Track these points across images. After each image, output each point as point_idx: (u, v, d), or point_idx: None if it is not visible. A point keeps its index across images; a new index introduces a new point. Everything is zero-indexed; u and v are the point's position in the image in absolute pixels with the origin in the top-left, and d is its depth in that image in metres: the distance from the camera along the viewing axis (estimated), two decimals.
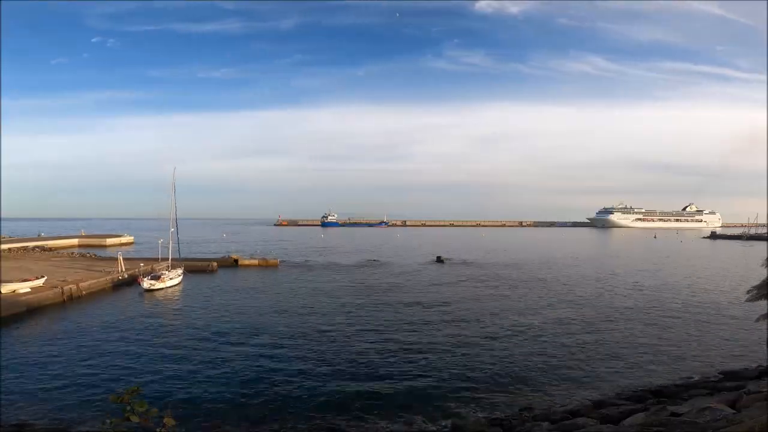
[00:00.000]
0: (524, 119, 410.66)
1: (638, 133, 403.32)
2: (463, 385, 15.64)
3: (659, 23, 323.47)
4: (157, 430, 2.94)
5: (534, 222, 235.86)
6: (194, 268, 43.97)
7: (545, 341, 21.13)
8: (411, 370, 16.95)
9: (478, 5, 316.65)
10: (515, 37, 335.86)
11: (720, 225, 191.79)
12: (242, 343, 20.32)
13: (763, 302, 11.70)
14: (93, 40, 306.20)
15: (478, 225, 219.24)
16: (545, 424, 11.52)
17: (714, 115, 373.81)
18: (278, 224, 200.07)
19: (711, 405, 10.11)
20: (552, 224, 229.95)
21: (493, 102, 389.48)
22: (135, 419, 2.83)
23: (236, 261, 50.35)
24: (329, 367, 17.22)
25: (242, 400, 14.26)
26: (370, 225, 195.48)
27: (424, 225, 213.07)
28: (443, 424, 12.73)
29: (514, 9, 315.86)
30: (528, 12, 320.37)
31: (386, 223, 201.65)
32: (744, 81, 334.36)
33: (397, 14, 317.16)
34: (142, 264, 40.53)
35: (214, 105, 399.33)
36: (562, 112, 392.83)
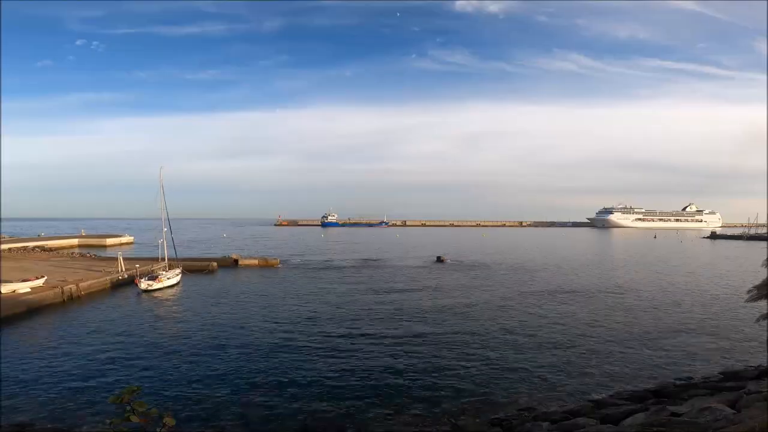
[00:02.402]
0: (527, 119, 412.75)
1: (637, 132, 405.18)
2: (463, 385, 15.63)
3: (637, 21, 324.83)
4: (157, 430, 2.93)
5: (534, 222, 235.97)
6: (194, 268, 43.98)
7: (545, 341, 21.11)
8: (410, 370, 16.94)
9: (458, 4, 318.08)
10: (498, 35, 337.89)
11: (720, 225, 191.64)
12: (241, 343, 20.30)
13: (763, 302, 11.67)
14: (77, 42, 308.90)
15: (478, 225, 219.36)
16: (545, 424, 11.52)
17: (707, 114, 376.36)
18: (278, 224, 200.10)
19: (711, 405, 10.10)
20: (552, 224, 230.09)
21: (488, 101, 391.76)
22: (135, 419, 2.82)
23: (236, 261, 50.37)
24: (329, 368, 17.21)
25: (242, 400, 14.24)
26: (370, 225, 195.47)
27: (424, 225, 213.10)
28: (443, 424, 12.73)
29: (493, 8, 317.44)
30: (507, 10, 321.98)
31: (386, 223, 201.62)
32: (729, 79, 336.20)
33: (398, 13, 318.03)
34: (137, 264, 40.55)
35: (206, 106, 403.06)
36: (558, 111, 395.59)
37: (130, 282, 34.99)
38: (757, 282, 12.16)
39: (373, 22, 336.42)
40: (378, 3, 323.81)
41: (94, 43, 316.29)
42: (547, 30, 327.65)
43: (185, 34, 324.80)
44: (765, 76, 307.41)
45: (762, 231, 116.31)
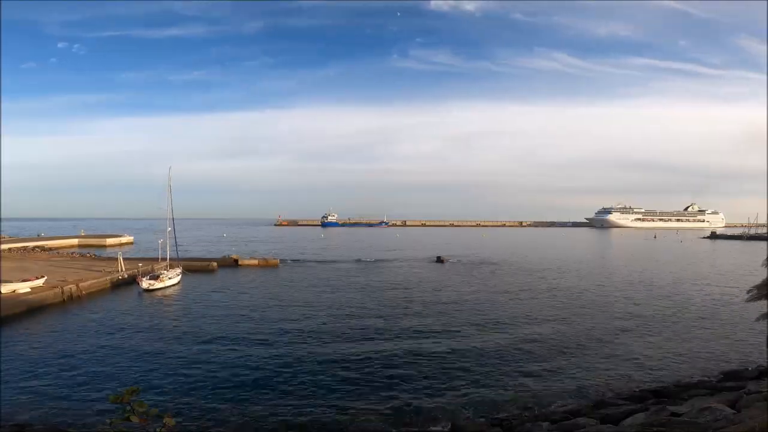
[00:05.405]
0: (525, 119, 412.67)
1: (636, 132, 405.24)
2: (463, 385, 15.63)
3: (616, 18, 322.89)
4: (157, 430, 2.93)
5: (534, 222, 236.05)
6: (194, 268, 43.97)
7: (545, 341, 21.11)
8: (410, 371, 16.94)
9: (434, 4, 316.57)
10: (477, 34, 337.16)
11: (723, 225, 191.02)
12: (241, 343, 20.30)
13: (763, 302, 11.67)
14: (59, 45, 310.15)
15: (478, 225, 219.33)
16: (545, 424, 11.52)
17: (704, 114, 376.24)
18: (278, 224, 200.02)
19: (711, 405, 10.11)
20: (552, 224, 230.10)
21: (486, 101, 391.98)
22: (135, 419, 2.82)
23: (236, 261, 50.35)
24: (329, 368, 17.21)
25: (242, 399, 14.25)
26: (370, 225, 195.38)
27: (424, 225, 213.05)
28: (443, 424, 12.74)
29: (469, 6, 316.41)
30: (484, 9, 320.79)
31: (386, 223, 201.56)
32: (720, 77, 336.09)
33: (398, 13, 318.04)
34: (140, 264, 40.54)
35: (204, 106, 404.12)
36: (555, 111, 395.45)
37: (131, 282, 35.01)
38: (757, 282, 12.16)
39: (353, 23, 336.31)
40: (357, 3, 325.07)
41: (76, 45, 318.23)
42: (526, 28, 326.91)
43: (168, 36, 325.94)
44: (755, 74, 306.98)
45: (762, 231, 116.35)
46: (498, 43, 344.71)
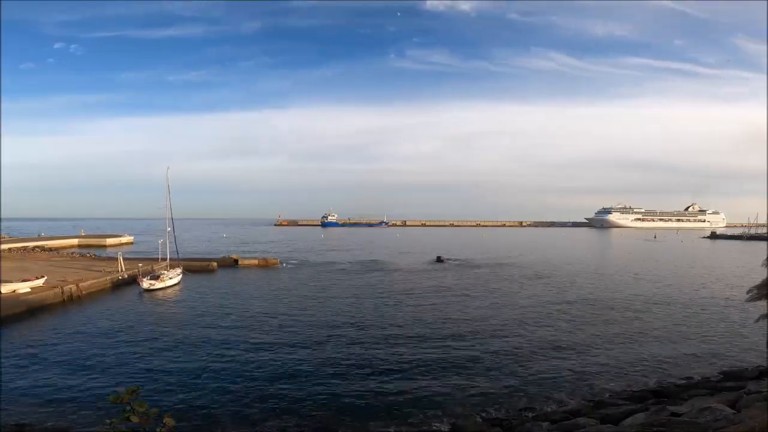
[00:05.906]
0: (525, 119, 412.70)
1: (636, 132, 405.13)
2: (463, 385, 15.63)
3: (612, 18, 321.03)
4: (158, 430, 2.93)
5: (534, 222, 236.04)
6: (194, 268, 43.98)
7: (545, 341, 21.11)
8: (411, 371, 16.94)
9: (429, 4, 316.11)
10: (473, 34, 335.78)
11: (724, 225, 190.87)
12: (241, 343, 20.31)
13: (763, 302, 11.68)
14: (55, 45, 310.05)
15: (478, 225, 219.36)
16: (545, 424, 11.53)
17: (704, 114, 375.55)
18: (278, 224, 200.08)
19: (711, 405, 10.11)
20: (552, 224, 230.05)
21: (486, 100, 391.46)
22: (135, 419, 2.82)
23: (236, 261, 50.38)
24: (329, 368, 17.22)
25: (242, 400, 14.25)
26: (370, 225, 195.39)
27: (424, 225, 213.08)
28: (443, 424, 12.74)
29: (464, 6, 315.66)
30: (479, 9, 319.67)
31: (386, 223, 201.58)
32: (717, 77, 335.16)
33: (398, 13, 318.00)
34: (140, 264, 40.56)
35: (204, 106, 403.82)
36: (555, 111, 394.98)
37: (131, 282, 35.00)
38: (757, 282, 12.17)
39: (352, 23, 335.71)
40: (355, 3, 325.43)
41: (73, 46, 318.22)
42: (523, 28, 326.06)
43: (166, 36, 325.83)
44: (755, 74, 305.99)
45: (762, 231, 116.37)
46: (495, 43, 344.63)
